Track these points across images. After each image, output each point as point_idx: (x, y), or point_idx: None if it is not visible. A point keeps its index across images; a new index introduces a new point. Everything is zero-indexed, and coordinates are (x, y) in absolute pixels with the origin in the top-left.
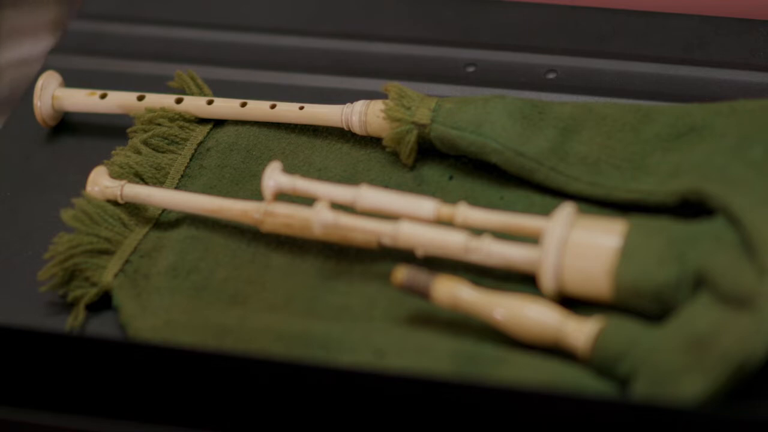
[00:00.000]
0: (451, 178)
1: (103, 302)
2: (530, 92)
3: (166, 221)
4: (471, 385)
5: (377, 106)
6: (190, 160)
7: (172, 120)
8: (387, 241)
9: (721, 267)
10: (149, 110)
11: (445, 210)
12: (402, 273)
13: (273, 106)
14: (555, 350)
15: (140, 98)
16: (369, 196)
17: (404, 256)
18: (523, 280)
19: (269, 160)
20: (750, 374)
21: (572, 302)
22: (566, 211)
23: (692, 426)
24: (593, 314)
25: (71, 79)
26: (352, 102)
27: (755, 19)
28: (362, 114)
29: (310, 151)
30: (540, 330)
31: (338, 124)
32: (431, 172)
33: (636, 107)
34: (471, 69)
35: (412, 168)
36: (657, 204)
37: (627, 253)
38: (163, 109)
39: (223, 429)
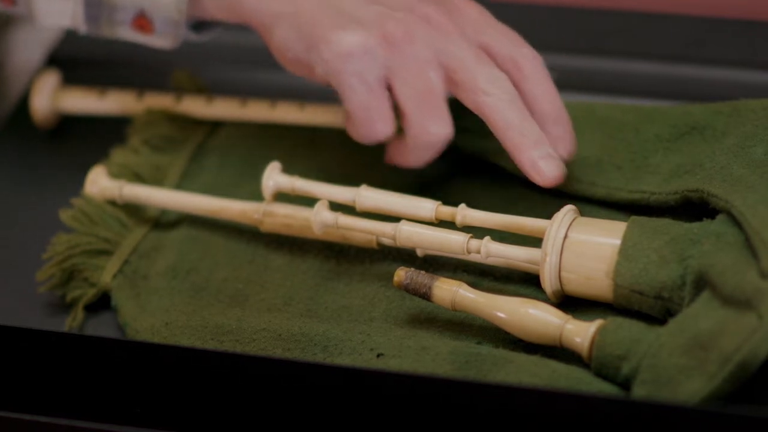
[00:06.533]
0: (451, 178)
1: (102, 303)
2: None
3: (165, 221)
4: (471, 385)
5: None
6: (190, 160)
7: (171, 120)
8: (387, 241)
9: (722, 267)
10: (149, 110)
11: (445, 210)
12: (402, 274)
13: (273, 106)
14: (555, 350)
15: (140, 98)
16: (369, 196)
17: (404, 256)
18: (523, 281)
19: (269, 160)
20: (751, 374)
21: (573, 302)
22: (567, 211)
23: (693, 426)
24: (594, 314)
25: (71, 79)
26: None
27: (755, 19)
28: None
29: (310, 151)
30: (541, 330)
31: (338, 124)
32: (431, 172)
33: (637, 107)
34: None
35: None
36: (659, 204)
37: (628, 253)
38: (162, 109)
39: (223, 430)
